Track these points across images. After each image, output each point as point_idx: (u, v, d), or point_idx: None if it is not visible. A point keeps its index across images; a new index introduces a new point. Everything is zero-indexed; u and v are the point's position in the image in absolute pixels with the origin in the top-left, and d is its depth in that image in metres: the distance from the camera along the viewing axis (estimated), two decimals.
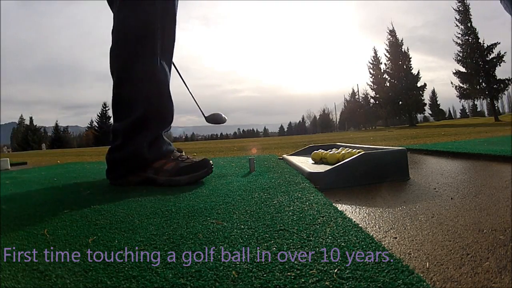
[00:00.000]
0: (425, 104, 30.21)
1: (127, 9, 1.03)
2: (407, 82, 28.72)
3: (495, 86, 21.86)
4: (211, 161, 1.03)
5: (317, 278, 0.32)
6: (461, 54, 23.27)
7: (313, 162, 1.30)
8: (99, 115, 48.39)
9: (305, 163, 1.20)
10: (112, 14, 1.08)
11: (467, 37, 23.03)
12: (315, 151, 1.33)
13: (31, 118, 50.29)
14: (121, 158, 1.03)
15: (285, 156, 1.58)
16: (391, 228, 0.51)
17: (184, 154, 1.10)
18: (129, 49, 1.02)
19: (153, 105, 1.03)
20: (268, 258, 0.38)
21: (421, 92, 28.92)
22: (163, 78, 1.05)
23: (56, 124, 52.01)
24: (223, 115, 1.29)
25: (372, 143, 2.77)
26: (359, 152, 0.98)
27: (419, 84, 28.82)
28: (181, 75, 1.25)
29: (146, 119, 1.03)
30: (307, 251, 0.39)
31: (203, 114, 1.29)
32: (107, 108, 48.30)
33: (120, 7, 1.03)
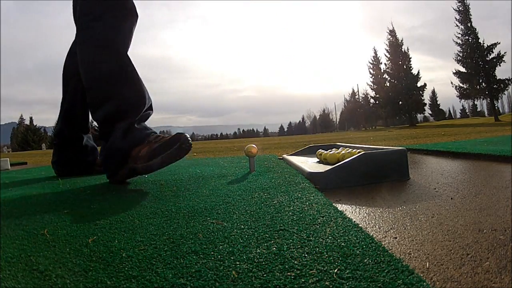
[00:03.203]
0: (425, 104, 30.23)
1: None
2: (407, 82, 28.72)
3: (495, 86, 21.87)
4: (186, 135, 0.95)
5: (317, 278, 0.32)
6: (461, 54, 23.28)
7: (318, 160, 1.31)
8: None
9: (305, 163, 1.20)
10: None
11: (467, 37, 23.04)
12: (320, 150, 1.35)
13: (31, 118, 50.28)
14: (105, 156, 1.06)
15: (285, 156, 1.58)
16: (391, 228, 0.51)
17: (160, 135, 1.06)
18: (95, 46, 1.07)
19: (121, 95, 1.05)
20: (268, 258, 0.38)
21: (421, 92, 28.93)
22: (128, 67, 1.07)
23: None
24: None
25: (372, 143, 2.78)
26: (359, 152, 0.98)
27: (419, 84, 28.84)
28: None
29: (116, 112, 1.05)
30: (307, 251, 0.39)
31: None
32: None
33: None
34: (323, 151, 1.30)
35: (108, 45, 1.06)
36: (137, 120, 1.06)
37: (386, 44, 30.75)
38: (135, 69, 1.09)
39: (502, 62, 21.76)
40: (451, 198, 0.67)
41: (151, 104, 1.14)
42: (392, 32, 30.67)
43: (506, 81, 21.66)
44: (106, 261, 0.40)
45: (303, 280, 0.32)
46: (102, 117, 1.06)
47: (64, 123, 1.37)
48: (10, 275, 0.37)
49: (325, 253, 0.38)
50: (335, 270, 0.34)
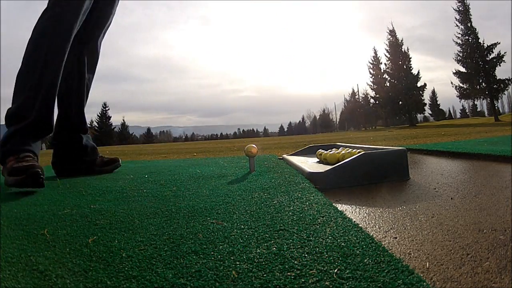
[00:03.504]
0: (425, 104, 30.24)
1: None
2: (407, 82, 28.72)
3: (495, 86, 21.87)
4: (35, 171, 0.92)
5: (317, 278, 0.32)
6: (461, 54, 23.27)
7: (318, 160, 1.31)
8: (99, 115, 48.39)
9: (305, 163, 1.20)
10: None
11: (467, 37, 23.03)
12: (320, 150, 1.35)
13: None
14: None
15: (285, 156, 1.58)
16: (391, 228, 0.51)
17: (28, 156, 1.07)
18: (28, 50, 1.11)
19: (23, 96, 1.08)
20: (268, 258, 0.38)
21: (421, 92, 28.93)
22: (44, 68, 1.08)
23: None
24: None
25: (372, 143, 2.77)
26: (359, 152, 0.98)
27: (419, 84, 28.84)
28: None
29: (12, 114, 1.09)
30: (307, 251, 0.39)
31: None
32: (107, 108, 48.39)
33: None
34: (323, 151, 1.30)
35: (38, 44, 1.09)
36: (24, 130, 1.07)
37: (386, 44, 30.75)
38: (52, 73, 1.09)
39: (502, 62, 21.76)
40: (451, 198, 0.67)
41: (50, 126, 1.14)
42: (392, 32, 30.66)
43: (506, 81, 21.66)
44: (106, 261, 0.40)
45: (303, 280, 0.32)
46: (7, 112, 1.10)
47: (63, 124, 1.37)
48: (10, 275, 0.37)
49: (325, 253, 0.38)
50: (335, 270, 0.34)
